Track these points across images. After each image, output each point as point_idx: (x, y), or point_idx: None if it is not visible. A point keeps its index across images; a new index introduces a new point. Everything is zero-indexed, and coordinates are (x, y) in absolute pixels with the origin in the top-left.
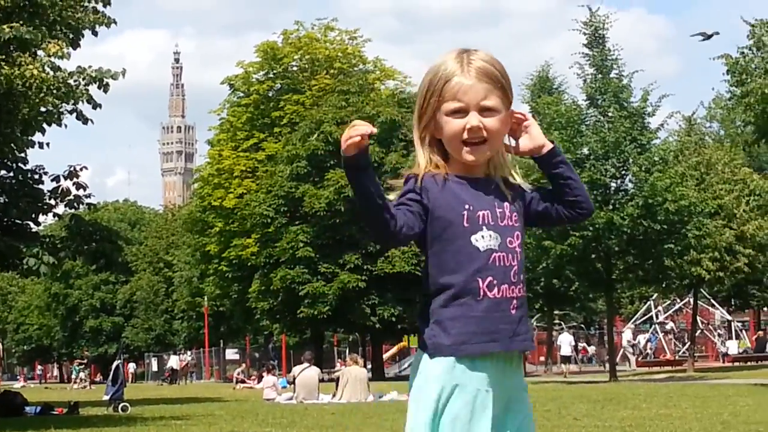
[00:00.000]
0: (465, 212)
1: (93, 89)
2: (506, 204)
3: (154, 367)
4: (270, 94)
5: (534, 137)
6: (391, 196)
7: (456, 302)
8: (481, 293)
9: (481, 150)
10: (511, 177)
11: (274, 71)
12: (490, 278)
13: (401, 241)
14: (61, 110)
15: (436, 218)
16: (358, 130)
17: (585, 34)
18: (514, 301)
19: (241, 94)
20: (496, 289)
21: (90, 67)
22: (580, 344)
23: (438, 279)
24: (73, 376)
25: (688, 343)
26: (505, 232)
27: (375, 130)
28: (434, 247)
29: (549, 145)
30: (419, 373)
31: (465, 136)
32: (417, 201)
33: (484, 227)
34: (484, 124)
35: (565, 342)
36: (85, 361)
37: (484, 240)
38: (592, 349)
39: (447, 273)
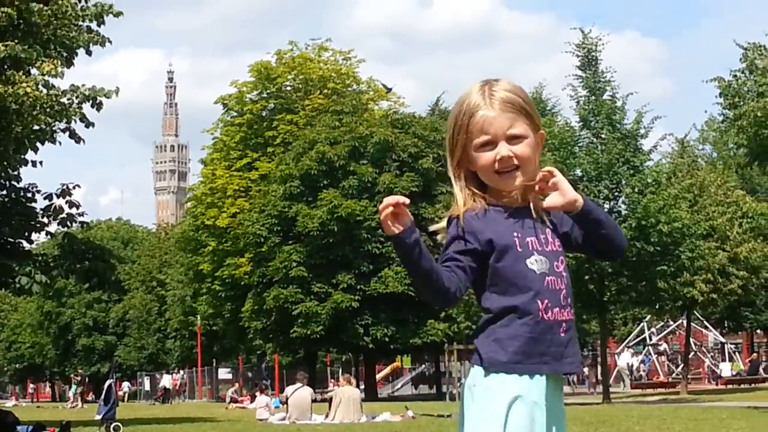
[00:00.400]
0: (516, 239)
1: (86, 108)
2: (548, 230)
3: (147, 386)
4: (263, 114)
5: (565, 192)
6: (438, 237)
7: (517, 322)
8: (540, 315)
9: (514, 177)
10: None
11: (268, 91)
12: (546, 301)
13: (459, 300)
14: (54, 129)
15: (495, 247)
16: (386, 201)
17: (578, 56)
18: (564, 324)
19: (235, 114)
20: (550, 312)
21: (83, 85)
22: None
23: (501, 301)
24: (70, 394)
25: (682, 365)
26: (551, 257)
27: (406, 200)
28: (496, 272)
29: (581, 201)
30: (476, 386)
31: (497, 167)
32: (464, 251)
33: (534, 252)
34: (514, 152)
35: None
36: (79, 378)
37: (537, 264)
38: (585, 370)
39: (510, 294)
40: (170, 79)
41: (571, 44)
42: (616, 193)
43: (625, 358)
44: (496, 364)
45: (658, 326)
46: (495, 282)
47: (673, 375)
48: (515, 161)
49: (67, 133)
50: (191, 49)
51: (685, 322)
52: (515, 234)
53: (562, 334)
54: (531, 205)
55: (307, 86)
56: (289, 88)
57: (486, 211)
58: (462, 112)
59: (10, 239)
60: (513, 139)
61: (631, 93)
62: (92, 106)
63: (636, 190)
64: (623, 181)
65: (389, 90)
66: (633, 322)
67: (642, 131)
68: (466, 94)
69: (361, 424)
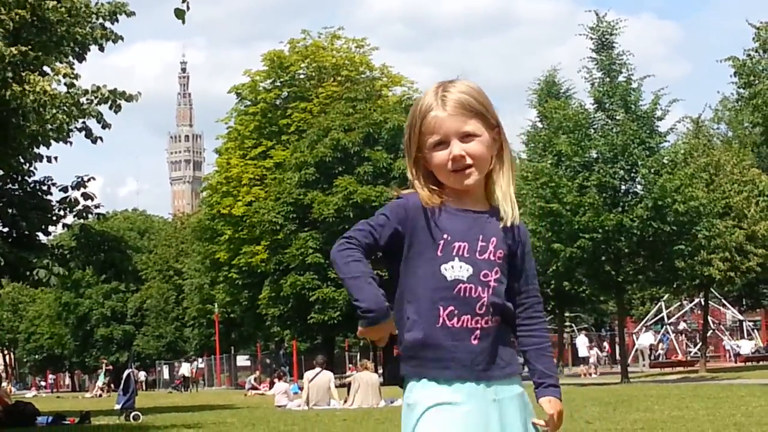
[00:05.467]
0: (441, 242)
1: (104, 108)
2: (494, 239)
3: (166, 375)
4: (277, 102)
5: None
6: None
7: (416, 327)
8: (440, 321)
9: (467, 175)
10: (504, 207)
11: (281, 79)
12: (451, 308)
13: None
14: (70, 128)
15: (412, 244)
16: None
17: (592, 39)
18: (477, 332)
19: (249, 103)
20: (455, 319)
21: (104, 86)
22: (604, 345)
23: (403, 302)
24: (99, 384)
25: (700, 343)
26: (480, 266)
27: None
28: (406, 271)
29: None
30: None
31: (450, 166)
32: (381, 228)
33: (456, 258)
34: (467, 151)
35: (581, 344)
36: (111, 368)
37: (453, 270)
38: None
39: (412, 298)
40: (183, 70)
41: (585, 27)
42: (633, 174)
43: (647, 339)
44: (403, 369)
45: (675, 305)
46: (407, 275)
47: (692, 354)
48: (468, 160)
49: (84, 133)
50: (207, 41)
51: (702, 300)
52: (445, 236)
53: (475, 341)
54: (496, 208)
55: (321, 74)
56: (302, 77)
57: (435, 209)
58: (416, 113)
59: (26, 232)
60: (465, 137)
61: (647, 75)
62: (110, 108)
63: (652, 170)
64: (639, 162)
65: None
66: (651, 301)
67: (659, 113)
68: (422, 96)
69: (380, 409)
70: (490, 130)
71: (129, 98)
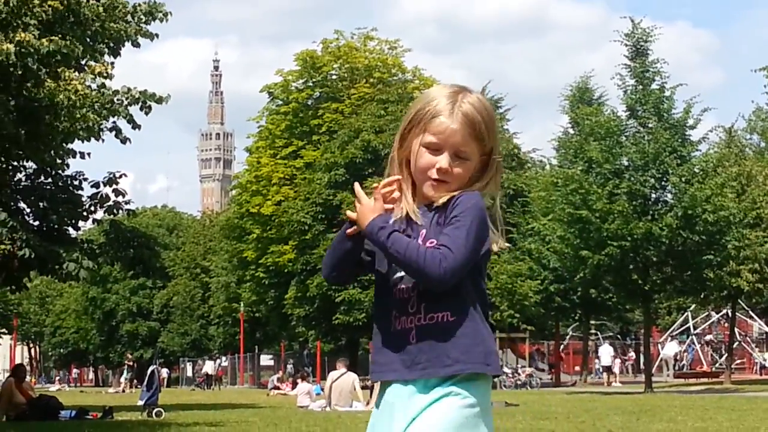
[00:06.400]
0: None
1: (134, 109)
2: (423, 231)
3: (189, 372)
4: (309, 103)
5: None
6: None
7: (375, 333)
8: (392, 326)
9: (442, 188)
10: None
11: (314, 80)
12: (394, 311)
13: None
14: (101, 126)
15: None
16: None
17: (626, 45)
18: (413, 332)
19: (280, 102)
20: (397, 321)
21: (135, 88)
22: (629, 353)
23: (374, 309)
24: (122, 380)
25: (726, 354)
26: None
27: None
28: (376, 276)
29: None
30: None
31: (432, 174)
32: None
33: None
34: (452, 169)
35: (605, 353)
36: (132, 364)
37: (392, 271)
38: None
39: (375, 305)
40: (216, 68)
41: (620, 33)
42: (663, 183)
43: (672, 349)
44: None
45: (702, 315)
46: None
47: (717, 365)
48: (449, 177)
49: (114, 132)
50: (240, 39)
51: (728, 311)
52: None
53: (412, 341)
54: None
55: (353, 75)
56: (334, 77)
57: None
58: (426, 109)
59: (56, 226)
60: (457, 155)
61: (680, 84)
62: (141, 109)
63: (683, 179)
64: (670, 171)
65: None
66: (677, 311)
67: (690, 122)
68: (435, 93)
69: None
70: (479, 156)
71: (159, 100)
